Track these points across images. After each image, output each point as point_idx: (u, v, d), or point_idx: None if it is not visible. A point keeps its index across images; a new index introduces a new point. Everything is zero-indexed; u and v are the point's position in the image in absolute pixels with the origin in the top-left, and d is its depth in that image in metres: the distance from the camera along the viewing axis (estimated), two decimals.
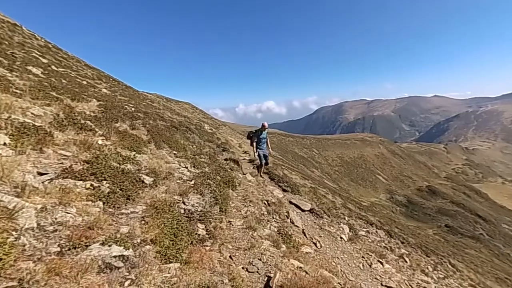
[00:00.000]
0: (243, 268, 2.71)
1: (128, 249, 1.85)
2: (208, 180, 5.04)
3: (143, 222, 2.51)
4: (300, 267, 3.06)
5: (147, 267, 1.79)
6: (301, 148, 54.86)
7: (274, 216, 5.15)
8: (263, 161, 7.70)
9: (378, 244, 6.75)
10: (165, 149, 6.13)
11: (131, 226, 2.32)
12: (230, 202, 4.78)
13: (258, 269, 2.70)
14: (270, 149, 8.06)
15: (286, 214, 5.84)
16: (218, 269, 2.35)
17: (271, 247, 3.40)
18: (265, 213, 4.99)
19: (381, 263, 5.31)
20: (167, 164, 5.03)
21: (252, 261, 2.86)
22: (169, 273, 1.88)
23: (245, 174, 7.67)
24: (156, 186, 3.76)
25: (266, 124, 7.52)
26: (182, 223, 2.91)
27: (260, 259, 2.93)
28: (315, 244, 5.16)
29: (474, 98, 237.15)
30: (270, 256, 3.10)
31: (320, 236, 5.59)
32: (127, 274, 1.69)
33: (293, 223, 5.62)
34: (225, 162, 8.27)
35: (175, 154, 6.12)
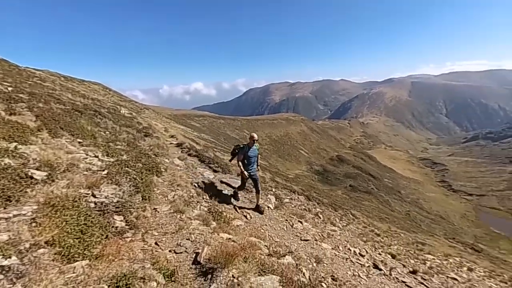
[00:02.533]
0: (170, 251, 2.66)
1: (9, 257, 1.49)
2: (127, 168, 4.52)
3: (33, 224, 2.05)
4: (229, 238, 3.24)
5: (41, 273, 1.51)
6: (233, 130, 55.74)
7: (205, 197, 5.16)
8: (245, 185, 5.63)
9: (299, 208, 7.84)
10: (65, 137, 5.06)
11: (14, 232, 1.86)
12: (155, 189, 4.48)
13: (186, 248, 2.70)
14: (259, 167, 5.89)
15: (217, 193, 5.95)
16: (140, 257, 2.22)
17: (200, 226, 3.44)
18: (195, 195, 4.93)
19: (301, 222, 6.25)
20: (69, 154, 4.19)
21: (180, 243, 2.83)
22: (74, 272, 1.64)
23: (172, 158, 7.25)
24: (53, 181, 3.11)
25: (255, 136, 5.26)
26: (93, 218, 2.55)
27: (188, 239, 2.93)
28: (246, 216, 5.53)
29: (367, 82, 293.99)
30: (199, 234, 3.14)
31: (250, 208, 6.02)
32: (11, 286, 1.38)
33: (224, 200, 5.80)
34: (148, 148, 7.55)
35: (79, 142, 5.14)
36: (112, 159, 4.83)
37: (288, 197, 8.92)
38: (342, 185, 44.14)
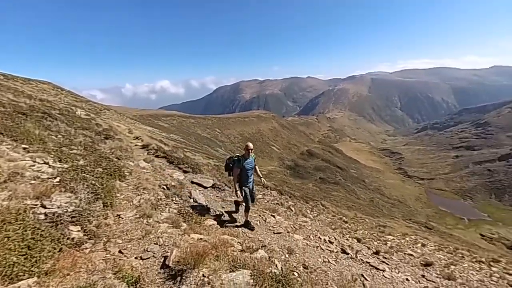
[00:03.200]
0: (136, 257, 2.51)
1: None
2: (84, 174, 4.15)
3: None
4: (201, 239, 3.18)
5: None
6: (204, 129, 54.50)
7: (174, 199, 4.98)
8: (249, 202, 4.86)
9: (272, 203, 8.01)
10: (6, 144, 4.45)
11: None
12: (118, 194, 4.18)
13: (154, 253, 2.58)
14: (263, 179, 5.46)
15: (188, 194, 5.78)
16: (100, 268, 2.06)
17: (169, 228, 3.31)
18: (163, 197, 4.72)
19: (274, 216, 6.39)
20: (11, 162, 3.70)
21: (147, 248, 2.69)
22: None
23: (137, 161, 6.84)
24: None
25: (250, 145, 4.80)
26: (43, 231, 2.29)
27: (156, 243, 2.80)
28: (219, 216, 5.48)
29: (332, 79, 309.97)
30: (169, 237, 3.02)
31: (223, 207, 5.96)
32: None
33: (196, 201, 5.66)
34: (109, 151, 7.00)
35: (25, 148, 4.57)
36: (66, 165, 4.37)
37: (261, 193, 9.04)
38: (312, 178, 46.12)
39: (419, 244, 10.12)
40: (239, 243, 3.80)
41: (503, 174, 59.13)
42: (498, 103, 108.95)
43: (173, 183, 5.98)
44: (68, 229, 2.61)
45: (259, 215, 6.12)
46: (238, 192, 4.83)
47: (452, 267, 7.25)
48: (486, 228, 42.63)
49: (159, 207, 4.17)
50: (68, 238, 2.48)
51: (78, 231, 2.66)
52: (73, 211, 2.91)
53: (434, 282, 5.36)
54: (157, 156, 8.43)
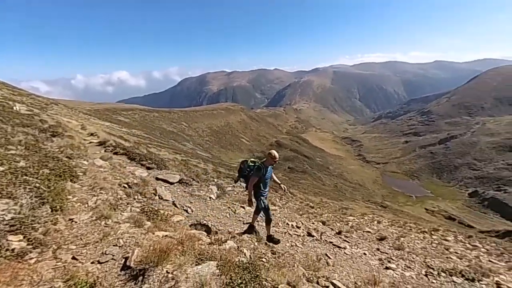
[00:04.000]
0: (93, 262, 2.33)
1: None
2: (25, 177, 3.67)
3: None
4: (166, 235, 3.07)
5: None
6: (169, 123, 51.97)
7: (137, 197, 4.71)
8: (270, 214, 4.44)
9: (241, 194, 8.08)
10: None
11: None
12: (70, 196, 3.79)
13: (114, 255, 2.42)
14: (283, 185, 4.95)
15: (153, 191, 5.51)
16: (47, 278, 1.87)
17: (131, 228, 3.13)
18: (124, 196, 4.43)
19: (243, 207, 6.48)
20: None
21: (105, 251, 2.51)
22: None
23: (92, 159, 6.25)
24: None
25: (277, 155, 4.26)
26: None
27: (116, 245, 2.63)
28: (187, 211, 5.34)
29: (297, 71, 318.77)
30: (130, 237, 2.86)
31: (191, 202, 5.84)
32: None
33: (161, 198, 5.43)
34: (58, 150, 6.27)
35: None
36: (1, 168, 3.80)
37: (231, 185, 9.04)
38: (282, 168, 47.56)
39: (375, 222, 11.24)
40: (208, 236, 3.78)
41: (442, 156, 68.26)
42: (438, 93, 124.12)
43: (135, 181, 5.63)
44: (7, 240, 2.29)
45: (229, 207, 6.14)
46: (260, 203, 4.27)
47: (402, 239, 8.23)
48: (429, 203, 49.17)
49: (119, 207, 3.90)
50: (7, 250, 2.18)
51: (20, 240, 2.36)
52: (12, 219, 2.56)
53: (386, 253, 6.04)
54: (116, 153, 7.81)
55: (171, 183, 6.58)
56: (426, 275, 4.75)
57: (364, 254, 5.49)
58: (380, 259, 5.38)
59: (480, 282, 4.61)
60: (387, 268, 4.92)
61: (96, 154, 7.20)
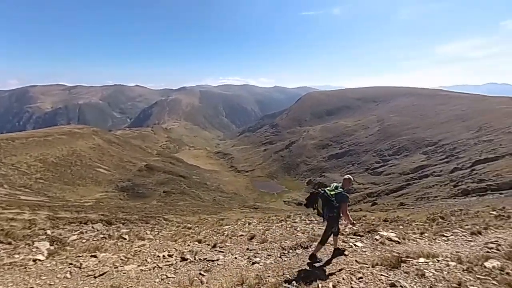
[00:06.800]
0: None
1: None
2: None
3: None
4: None
5: None
6: None
7: None
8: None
9: (94, 239, 6.42)
10: None
11: None
12: None
13: None
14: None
15: None
16: None
17: None
18: None
19: (95, 256, 5.13)
20: None
21: None
22: None
23: None
24: None
25: (351, 177, 5.06)
26: None
27: None
28: None
29: (164, 89, 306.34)
30: None
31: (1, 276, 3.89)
32: None
33: None
34: None
35: None
36: None
37: (77, 232, 6.97)
38: (156, 194, 42.97)
39: (247, 224, 12.62)
40: None
41: (288, 158, 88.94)
42: (280, 111, 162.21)
43: None
44: None
45: (70, 263, 4.66)
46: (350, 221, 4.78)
47: (267, 232, 9.73)
48: (286, 196, 62.03)
49: None
50: None
51: None
52: None
53: (254, 249, 6.89)
54: None
55: None
56: (280, 257, 5.86)
57: (235, 258, 5.96)
58: (248, 257, 6.03)
59: (311, 247, 6.30)
60: (253, 263, 5.59)
61: None
